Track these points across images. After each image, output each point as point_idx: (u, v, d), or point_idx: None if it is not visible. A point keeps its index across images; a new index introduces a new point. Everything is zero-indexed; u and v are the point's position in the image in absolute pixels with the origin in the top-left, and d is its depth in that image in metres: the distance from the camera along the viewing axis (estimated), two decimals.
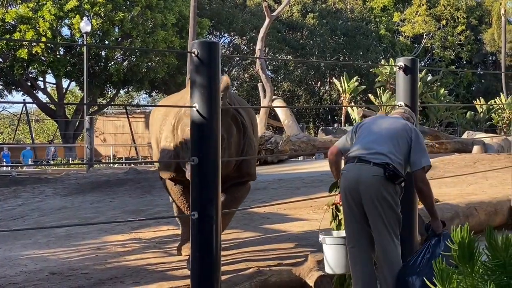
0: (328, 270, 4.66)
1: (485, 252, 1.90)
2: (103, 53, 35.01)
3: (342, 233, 4.66)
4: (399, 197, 4.47)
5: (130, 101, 51.91)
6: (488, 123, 42.34)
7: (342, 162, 4.81)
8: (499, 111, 41.21)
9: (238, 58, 46.53)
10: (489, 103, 40.92)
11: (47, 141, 36.92)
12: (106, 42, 33.24)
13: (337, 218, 4.83)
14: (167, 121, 5.96)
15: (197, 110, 4.03)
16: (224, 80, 5.07)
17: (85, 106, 29.70)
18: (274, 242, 6.70)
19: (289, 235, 7.19)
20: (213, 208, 4.05)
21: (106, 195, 12.24)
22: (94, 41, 32.42)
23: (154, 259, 6.32)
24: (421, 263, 4.32)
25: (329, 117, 49.66)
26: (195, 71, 4.11)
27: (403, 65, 5.73)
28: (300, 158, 21.00)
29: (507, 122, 39.09)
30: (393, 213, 4.42)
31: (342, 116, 39.39)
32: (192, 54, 4.06)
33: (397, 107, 5.50)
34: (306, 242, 6.63)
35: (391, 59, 40.81)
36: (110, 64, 35.03)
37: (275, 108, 27.60)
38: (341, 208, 4.71)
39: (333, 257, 4.56)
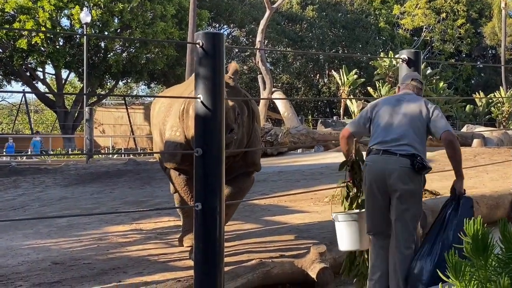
0: (341, 247, 4.75)
1: (498, 245, 1.89)
2: (102, 44, 34.94)
3: (354, 211, 4.77)
4: (422, 188, 4.59)
5: (129, 92, 51.84)
6: (487, 117, 42.34)
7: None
8: (499, 104, 41.21)
9: (237, 50, 46.47)
10: (488, 96, 40.92)
11: (36, 132, 36.68)
12: (106, 33, 33.17)
13: (348, 197, 4.87)
14: (172, 112, 5.95)
15: (201, 102, 4.02)
16: (233, 65, 5.49)
17: (84, 97, 29.66)
18: (275, 234, 6.71)
19: (290, 227, 7.20)
20: (216, 200, 4.05)
21: (106, 186, 12.24)
22: (93, 32, 32.35)
23: (156, 250, 6.33)
24: (444, 228, 4.41)
25: (328, 110, 49.64)
26: (200, 63, 4.09)
27: (407, 58, 5.71)
28: (300, 150, 21.00)
29: (507, 115, 39.10)
30: (418, 205, 4.54)
31: (341, 109, 39.38)
32: (197, 45, 4.04)
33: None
34: (308, 234, 6.65)
35: (390, 52, 40.77)
36: (109, 55, 34.96)
37: (274, 100, 27.59)
38: (350, 186, 4.81)
39: (345, 234, 4.66)
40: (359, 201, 4.80)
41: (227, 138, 4.90)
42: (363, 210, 4.66)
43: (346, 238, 4.66)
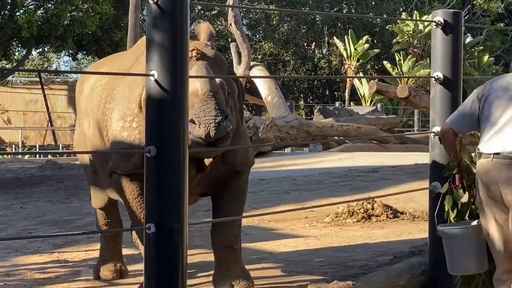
0: (452, 270, 5.07)
1: None
2: None
3: (465, 223, 5.03)
4: None
5: (46, 65, 51.60)
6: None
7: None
8: None
9: (200, 7, 46.46)
10: None
11: None
12: None
13: (455, 207, 5.10)
14: (117, 94, 5.90)
15: (155, 80, 4.03)
16: (205, 26, 5.53)
17: None
18: (256, 268, 6.72)
19: (277, 258, 7.23)
20: (177, 218, 4.06)
21: (15, 198, 12.18)
22: None
23: None
24: None
25: (328, 93, 49.78)
26: (153, 25, 4.10)
27: (442, 21, 5.76)
28: (289, 149, 21.06)
29: None
30: None
31: (346, 91, 39.51)
32: (150, 1, 4.05)
33: (434, 80, 5.46)
34: (303, 268, 6.67)
35: (415, 11, 40.98)
36: (18, 14, 34.77)
37: (254, 80, 27.59)
38: (459, 192, 5.08)
39: (459, 252, 4.95)
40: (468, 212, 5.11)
41: (222, 129, 4.91)
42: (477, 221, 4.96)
43: (461, 258, 4.93)
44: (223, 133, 4.93)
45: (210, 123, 4.86)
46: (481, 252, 4.88)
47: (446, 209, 5.11)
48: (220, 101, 5.04)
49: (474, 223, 4.96)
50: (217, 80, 5.15)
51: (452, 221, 5.07)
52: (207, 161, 5.42)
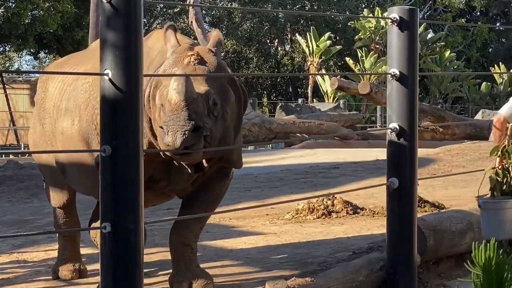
0: (487, 235, 5.31)
1: None
2: None
3: (503, 198, 5.63)
4: None
5: (8, 65, 51.24)
6: (510, 98, 43.05)
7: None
8: None
9: (162, 6, 46.32)
10: (511, 70, 41.61)
11: None
12: None
13: (498, 184, 5.73)
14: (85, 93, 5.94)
15: (109, 79, 4.01)
16: (215, 34, 5.62)
17: None
18: (216, 266, 6.72)
19: (236, 255, 7.23)
20: (132, 217, 4.06)
21: None
22: None
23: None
24: None
25: (291, 90, 49.88)
26: (107, 24, 4.09)
27: (398, 17, 5.79)
28: (251, 147, 21.06)
29: None
30: None
31: (309, 88, 39.62)
32: (103, 0, 4.03)
33: (390, 77, 5.60)
34: (263, 265, 6.68)
35: (376, 8, 41.16)
36: None
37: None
38: (499, 172, 5.71)
39: (494, 221, 5.53)
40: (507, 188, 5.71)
41: (186, 139, 4.92)
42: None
43: (498, 226, 5.49)
44: (189, 142, 4.93)
45: (177, 132, 4.91)
46: None
47: (490, 186, 5.69)
48: (196, 111, 5.01)
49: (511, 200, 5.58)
50: (200, 88, 5.13)
51: (494, 196, 5.65)
52: (205, 163, 5.49)
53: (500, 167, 5.72)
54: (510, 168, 5.72)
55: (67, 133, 6.28)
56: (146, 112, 5.42)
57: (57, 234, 6.91)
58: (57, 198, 6.85)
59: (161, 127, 4.99)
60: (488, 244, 1.98)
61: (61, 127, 6.38)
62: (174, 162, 5.56)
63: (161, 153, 5.35)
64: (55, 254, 7.60)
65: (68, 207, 6.87)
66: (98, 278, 4.16)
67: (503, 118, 6.00)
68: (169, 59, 5.46)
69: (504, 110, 6.14)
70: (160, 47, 5.73)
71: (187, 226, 5.97)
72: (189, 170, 5.51)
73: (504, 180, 5.74)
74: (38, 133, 6.90)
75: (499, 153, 5.78)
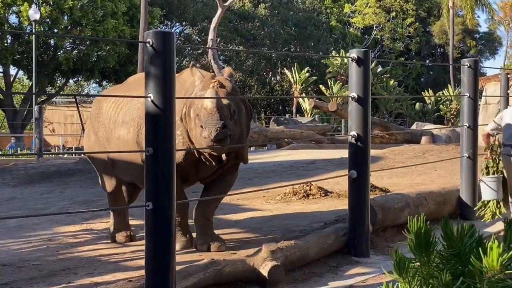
0: (485, 197, 6.85)
1: (440, 242, 1.94)
2: (52, 42, 34.45)
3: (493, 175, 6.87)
4: None
5: (80, 90, 51.20)
6: (436, 114, 43.04)
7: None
8: (447, 102, 41.92)
9: (189, 48, 46.28)
10: (437, 94, 41.58)
11: None
12: (55, 30, 32.69)
13: (487, 168, 6.88)
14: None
15: (151, 101, 4.03)
16: (227, 69, 6.03)
17: (34, 95, 29.17)
18: (227, 233, 6.72)
19: (242, 225, 7.22)
20: (168, 199, 4.06)
21: (56, 185, 12.08)
22: (42, 29, 31.85)
23: (107, 250, 6.29)
24: None
25: (281, 108, 49.78)
26: (150, 62, 4.10)
27: (356, 57, 5.79)
28: (252, 148, 21.03)
29: (455, 113, 39.81)
30: None
31: (293, 106, 39.59)
32: (147, 44, 4.03)
33: (351, 98, 5.62)
34: (260, 232, 6.67)
35: (342, 50, 41.11)
36: (59, 53, 34.51)
37: None
38: (489, 161, 6.85)
39: (487, 189, 6.81)
40: (494, 171, 6.82)
41: (219, 133, 5.27)
42: (498, 175, 6.78)
43: (489, 192, 6.78)
44: (221, 136, 5.30)
45: (212, 128, 5.27)
46: (499, 190, 6.75)
47: (485, 168, 6.87)
48: (223, 115, 5.38)
49: (498, 175, 6.79)
50: (224, 101, 5.46)
51: (485, 175, 6.84)
52: (224, 157, 5.75)
53: (490, 158, 6.84)
54: (496, 158, 6.82)
55: (125, 138, 6.27)
56: (184, 125, 5.56)
57: (112, 210, 6.88)
58: (109, 185, 6.85)
59: (201, 126, 5.35)
60: (419, 217, 1.97)
61: (120, 133, 6.37)
62: (202, 159, 5.75)
63: (195, 152, 5.69)
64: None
65: (116, 192, 6.88)
66: (143, 242, 4.15)
67: (487, 133, 6.98)
68: (198, 86, 5.77)
69: (488, 128, 7.04)
70: (191, 80, 5.94)
71: (206, 205, 6.02)
72: (213, 162, 5.72)
73: (493, 165, 6.83)
74: (92, 139, 6.89)
75: (489, 150, 6.86)
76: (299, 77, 38.47)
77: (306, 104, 31.93)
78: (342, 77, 37.33)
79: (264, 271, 4.91)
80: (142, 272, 4.24)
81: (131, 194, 7.04)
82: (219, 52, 37.62)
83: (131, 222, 7.04)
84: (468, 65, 7.63)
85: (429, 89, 45.91)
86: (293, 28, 49.35)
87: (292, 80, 39.31)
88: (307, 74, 39.04)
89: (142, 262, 4.48)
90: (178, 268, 4.30)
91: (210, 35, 25.42)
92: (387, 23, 52.07)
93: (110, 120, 6.57)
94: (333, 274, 5.31)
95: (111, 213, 6.85)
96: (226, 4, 27.32)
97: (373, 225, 6.10)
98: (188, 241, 6.12)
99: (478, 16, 66.52)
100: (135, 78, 7.16)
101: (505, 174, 6.84)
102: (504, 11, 57.22)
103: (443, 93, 41.49)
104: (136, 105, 6.23)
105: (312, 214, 7.68)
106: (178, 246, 6.01)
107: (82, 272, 5.28)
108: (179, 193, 5.98)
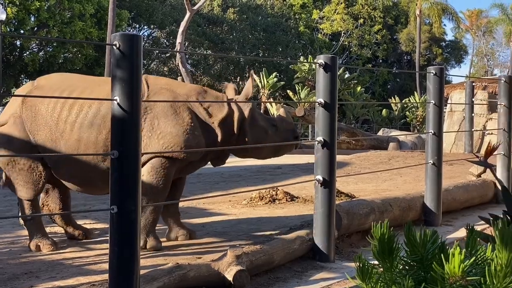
0: None
1: (404, 248, 1.96)
2: (18, 43, 34.09)
3: None
4: None
5: None
6: (402, 121, 43.47)
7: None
8: (413, 109, 42.36)
9: (157, 52, 46.12)
10: (403, 101, 41.98)
11: None
12: (22, 31, 32.35)
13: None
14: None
15: (118, 104, 3.99)
16: (231, 85, 7.06)
17: None
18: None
19: (208, 229, 7.20)
20: (133, 202, 4.02)
21: None
22: (9, 30, 31.48)
23: (70, 254, 6.21)
24: None
25: None
26: (116, 64, 4.06)
27: (323, 62, 5.81)
28: None
29: (420, 120, 40.25)
30: None
31: (261, 111, 39.68)
32: (114, 47, 4.00)
33: (317, 104, 5.64)
34: (226, 236, 6.66)
35: (309, 56, 41.34)
36: (25, 54, 34.15)
37: None
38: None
39: None
40: None
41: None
42: None
43: None
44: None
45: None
46: None
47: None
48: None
49: None
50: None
51: None
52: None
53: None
54: None
55: (91, 140, 6.03)
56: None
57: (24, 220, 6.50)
58: (31, 192, 6.34)
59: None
60: (382, 224, 1.99)
61: (78, 136, 6.03)
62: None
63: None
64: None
65: (36, 199, 6.46)
66: (107, 245, 4.11)
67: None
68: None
69: None
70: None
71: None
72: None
73: None
74: (18, 143, 6.26)
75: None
76: (267, 82, 38.57)
77: (274, 109, 32.01)
78: (310, 82, 37.52)
79: (229, 275, 4.90)
80: (106, 276, 4.19)
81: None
82: (187, 56, 37.55)
83: (96, 226, 6.97)
84: (434, 72, 7.70)
85: (395, 95, 46.35)
86: (262, 33, 49.48)
87: (260, 85, 39.38)
88: (275, 79, 39.15)
89: (106, 266, 4.44)
90: (142, 272, 4.27)
91: (178, 39, 25.37)
92: (355, 30, 52.49)
93: (60, 121, 6.13)
94: (297, 279, 5.31)
95: (28, 223, 6.41)
96: (195, 7, 27.31)
97: (338, 231, 6.12)
98: (159, 241, 6.10)
99: (445, 25, 67.42)
100: (49, 81, 6.58)
101: None
102: (470, 20, 58.11)
103: (409, 100, 41.93)
104: (110, 107, 5.99)
105: (278, 219, 7.68)
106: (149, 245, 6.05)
107: (44, 276, 5.21)
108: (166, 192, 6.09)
